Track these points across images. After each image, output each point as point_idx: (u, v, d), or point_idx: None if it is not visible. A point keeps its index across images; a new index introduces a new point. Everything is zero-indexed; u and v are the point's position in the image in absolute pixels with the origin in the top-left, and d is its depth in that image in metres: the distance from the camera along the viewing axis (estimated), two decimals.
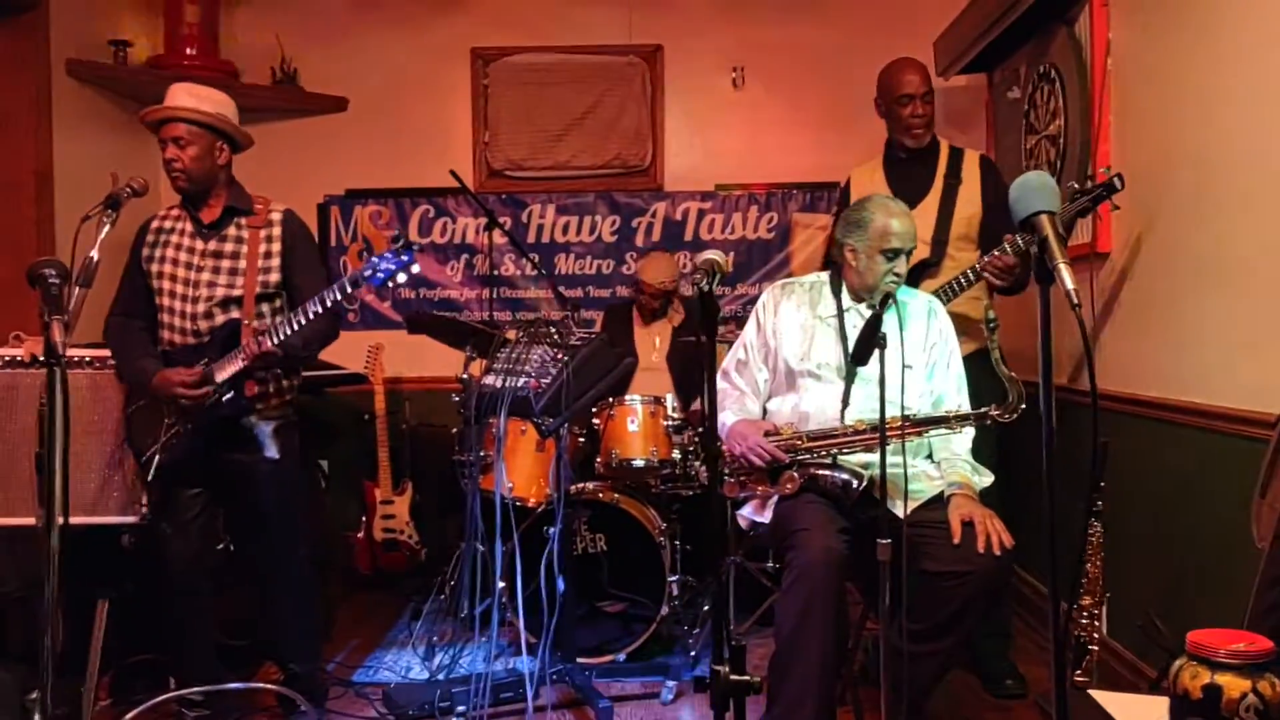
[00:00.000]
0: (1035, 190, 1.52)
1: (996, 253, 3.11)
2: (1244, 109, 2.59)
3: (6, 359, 3.13)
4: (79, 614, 3.28)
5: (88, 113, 4.45)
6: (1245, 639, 1.56)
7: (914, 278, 3.36)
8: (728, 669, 1.55)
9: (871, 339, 2.43)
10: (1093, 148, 3.32)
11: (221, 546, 3.56)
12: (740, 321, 3.87)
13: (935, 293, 3.20)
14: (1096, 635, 2.75)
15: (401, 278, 2.73)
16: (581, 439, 3.98)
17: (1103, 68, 3.28)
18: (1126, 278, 3.22)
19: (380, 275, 2.72)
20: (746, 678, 1.55)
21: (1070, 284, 1.43)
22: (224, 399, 2.90)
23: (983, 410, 2.67)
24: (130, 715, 2.88)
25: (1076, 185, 3.05)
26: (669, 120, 5.06)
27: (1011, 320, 3.95)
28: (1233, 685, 1.51)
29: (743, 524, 3.00)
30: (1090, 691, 2.01)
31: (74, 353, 3.07)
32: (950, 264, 3.37)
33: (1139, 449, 3.10)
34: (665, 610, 3.61)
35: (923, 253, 3.39)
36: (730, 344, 3.24)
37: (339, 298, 2.76)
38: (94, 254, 2.67)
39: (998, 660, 3.44)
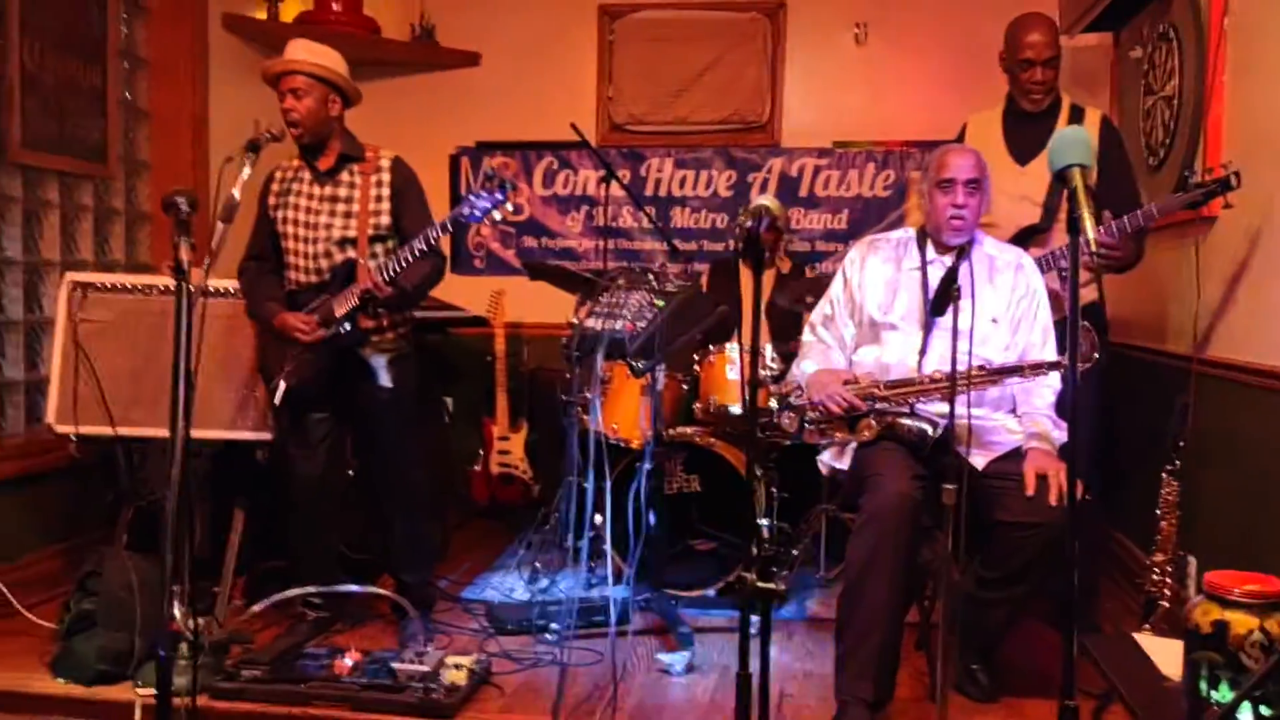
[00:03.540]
0: (1071, 144, 1.61)
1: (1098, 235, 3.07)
2: None
3: (161, 287, 3.47)
4: (218, 523, 3.64)
5: (240, 64, 4.79)
6: (1259, 580, 1.62)
7: (1021, 243, 3.37)
8: (755, 575, 1.70)
9: (947, 291, 2.51)
10: (1205, 108, 3.26)
11: (352, 472, 3.88)
12: None
13: (1038, 261, 3.19)
14: (1168, 591, 2.77)
15: (497, 215, 2.92)
16: (684, 385, 4.13)
17: (1219, 27, 3.22)
18: (1232, 244, 3.17)
19: (478, 213, 2.92)
20: (771, 585, 1.69)
21: (1090, 234, 1.51)
22: (342, 331, 3.16)
23: (1055, 360, 2.71)
24: (257, 607, 3.19)
25: (1189, 175, 3.00)
26: (789, 76, 5.12)
27: (1124, 288, 3.94)
28: (1241, 622, 1.57)
29: (823, 470, 3.12)
30: (1134, 634, 2.08)
31: (216, 284, 3.39)
32: (1059, 229, 3.35)
33: (1236, 413, 3.08)
34: (755, 551, 3.74)
35: (1032, 216, 3.37)
36: None
37: (440, 235, 2.98)
38: (235, 193, 2.95)
39: (1082, 617, 3.45)
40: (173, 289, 3.40)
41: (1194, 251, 3.30)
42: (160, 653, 2.15)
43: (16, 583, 3.53)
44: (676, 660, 3.18)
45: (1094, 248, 1.50)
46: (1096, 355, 2.65)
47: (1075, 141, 1.59)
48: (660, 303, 3.15)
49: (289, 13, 5.05)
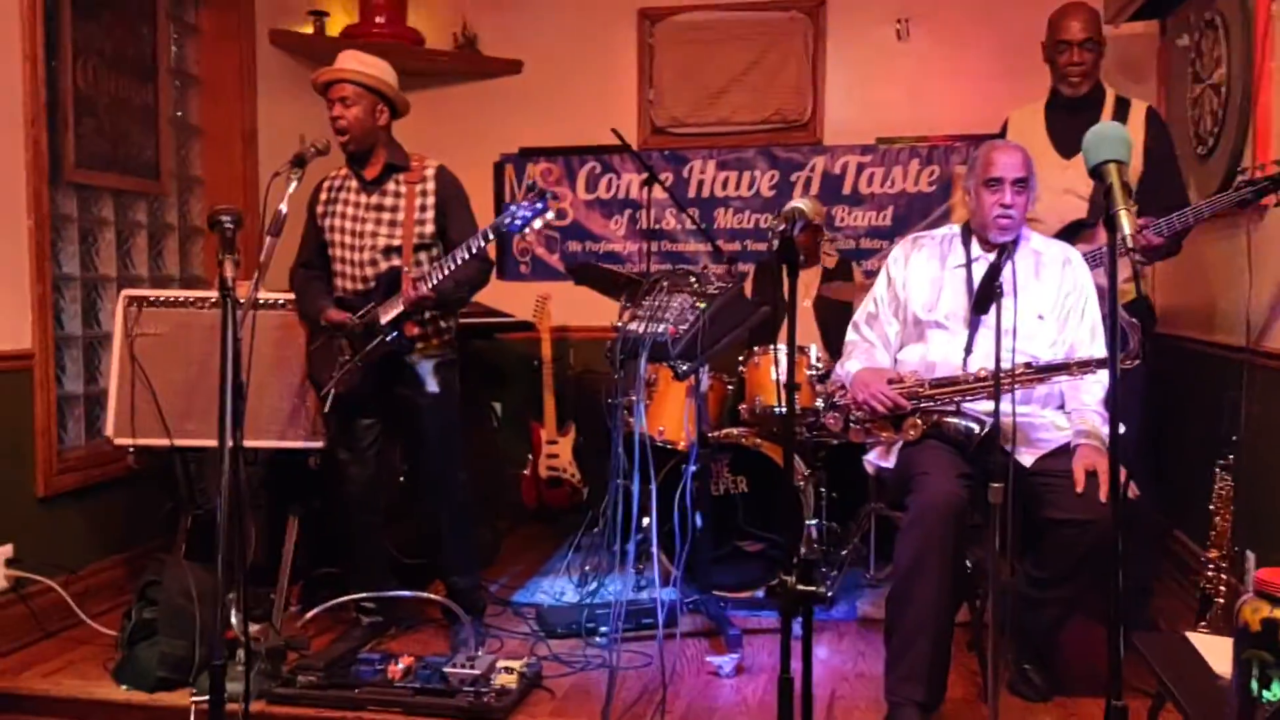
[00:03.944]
0: (1106, 140, 1.59)
1: (1144, 233, 3.03)
2: None
3: (213, 300, 3.54)
4: (273, 529, 3.71)
5: (287, 79, 4.87)
6: None
7: (1068, 238, 3.33)
8: (795, 579, 1.70)
9: (990, 289, 2.49)
10: (1254, 96, 3.20)
11: (403, 480, 3.94)
12: None
13: (1085, 257, 3.15)
14: (1224, 587, 2.72)
15: (538, 224, 2.96)
16: (729, 386, 4.14)
17: (1266, 14, 3.16)
18: None
19: (518, 223, 2.96)
20: (813, 588, 1.69)
21: (1128, 229, 1.50)
22: (388, 339, 3.21)
23: (1102, 357, 2.68)
24: (312, 613, 3.25)
25: (1244, 175, 2.96)
26: (830, 74, 5.10)
27: (1173, 279, 3.87)
28: None
29: (869, 469, 3.11)
30: (1188, 633, 2.05)
31: (266, 295, 3.46)
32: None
33: None
34: (804, 551, 3.73)
35: (1078, 211, 3.35)
36: None
37: (482, 244, 3.03)
38: (283, 207, 3.00)
39: (1136, 615, 3.41)
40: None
41: (1245, 241, 3.24)
42: (215, 659, 2.20)
43: (80, 592, 3.63)
44: (726, 662, 3.19)
45: (1131, 244, 1.48)
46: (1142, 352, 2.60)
47: (1110, 137, 1.57)
48: (702, 304, 3.15)
49: (335, 27, 5.13)
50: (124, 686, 3.07)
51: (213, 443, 3.46)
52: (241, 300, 3.47)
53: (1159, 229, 3.06)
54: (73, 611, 3.53)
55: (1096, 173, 1.59)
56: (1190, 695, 1.81)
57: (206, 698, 2.14)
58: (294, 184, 3.07)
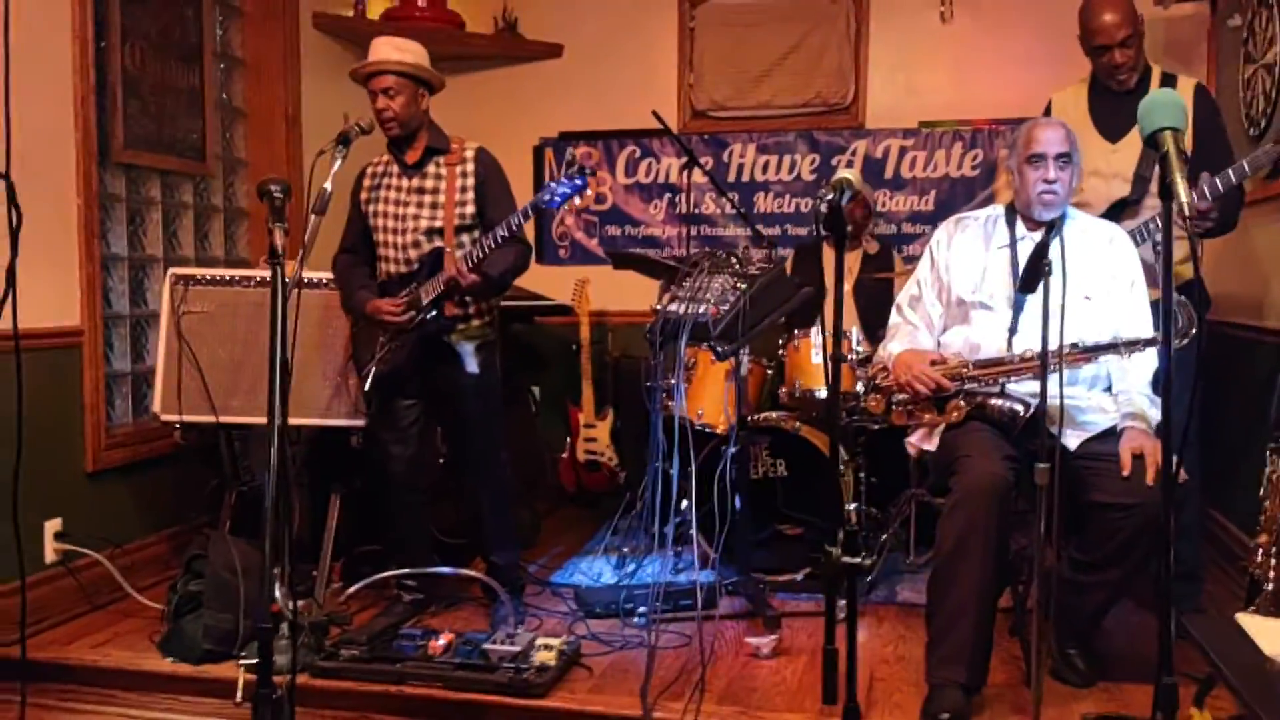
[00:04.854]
0: (1160, 107, 1.57)
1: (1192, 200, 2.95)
2: None
3: (258, 279, 3.58)
4: (315, 507, 3.75)
5: (329, 61, 4.92)
6: None
7: (1113, 216, 3.28)
8: (840, 550, 1.69)
9: (1037, 267, 2.45)
10: None
11: (443, 460, 3.96)
12: None
13: (1131, 233, 3.11)
14: (1273, 573, 2.68)
15: (577, 201, 2.96)
16: (769, 370, 4.13)
17: None
18: None
19: (557, 199, 2.97)
20: (857, 560, 1.69)
21: (1184, 197, 1.47)
22: (428, 318, 3.24)
23: (1150, 336, 2.64)
24: (354, 588, 3.28)
25: None
26: (872, 57, 5.05)
27: (1224, 265, 3.80)
28: None
29: (911, 452, 3.08)
30: (1237, 616, 2.02)
31: (310, 275, 3.49)
32: (1151, 202, 3.26)
33: None
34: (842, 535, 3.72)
35: (1122, 190, 3.30)
36: None
37: (522, 221, 3.03)
38: (327, 185, 3.01)
39: (1186, 603, 3.36)
40: (268, 280, 3.57)
41: None
42: (261, 627, 2.22)
43: (127, 566, 3.69)
44: (764, 643, 3.18)
45: (1189, 212, 1.46)
46: (1194, 330, 2.56)
47: (1165, 104, 1.55)
48: (743, 285, 3.14)
49: (375, 10, 5.16)
50: (170, 658, 3.11)
51: (257, 420, 3.52)
52: (287, 280, 3.53)
53: (1202, 193, 2.99)
54: (120, 585, 3.59)
55: (1152, 140, 1.56)
56: (1241, 676, 1.79)
57: (255, 660, 2.17)
58: (339, 162, 3.08)
